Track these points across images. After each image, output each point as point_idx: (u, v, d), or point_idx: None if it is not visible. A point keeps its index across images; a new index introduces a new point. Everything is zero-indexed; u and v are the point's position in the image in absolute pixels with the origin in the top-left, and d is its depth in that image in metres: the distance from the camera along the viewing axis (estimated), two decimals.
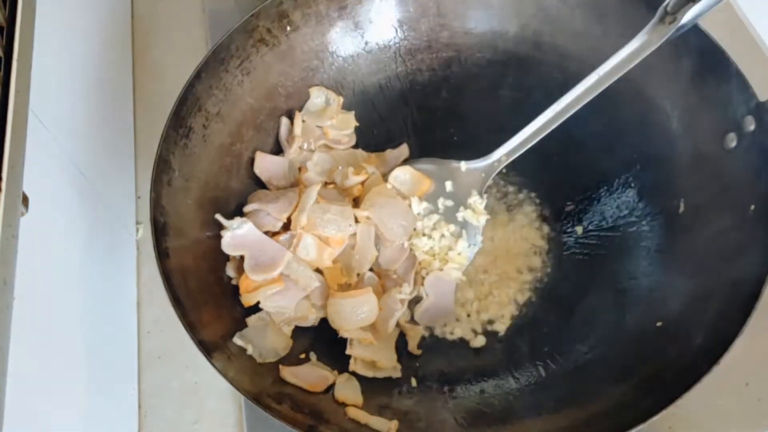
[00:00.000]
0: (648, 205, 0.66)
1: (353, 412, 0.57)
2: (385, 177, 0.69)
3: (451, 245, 0.68)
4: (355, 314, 0.61)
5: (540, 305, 0.67)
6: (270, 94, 0.71)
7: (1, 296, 0.40)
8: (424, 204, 0.69)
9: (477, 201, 0.68)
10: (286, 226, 0.64)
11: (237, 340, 0.59)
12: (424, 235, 0.68)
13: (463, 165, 0.69)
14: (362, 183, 0.69)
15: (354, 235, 0.65)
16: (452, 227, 0.68)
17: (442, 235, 0.68)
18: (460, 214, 0.68)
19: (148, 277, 0.75)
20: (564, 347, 0.63)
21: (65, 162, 0.60)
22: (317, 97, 0.73)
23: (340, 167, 0.70)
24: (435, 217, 0.68)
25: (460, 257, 0.67)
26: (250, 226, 0.62)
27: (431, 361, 0.64)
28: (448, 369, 0.64)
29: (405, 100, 0.77)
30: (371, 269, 0.66)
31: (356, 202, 0.68)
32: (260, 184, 0.70)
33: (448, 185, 0.69)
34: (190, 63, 0.64)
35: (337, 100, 0.73)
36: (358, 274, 0.65)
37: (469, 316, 0.67)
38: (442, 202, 0.69)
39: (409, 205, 0.68)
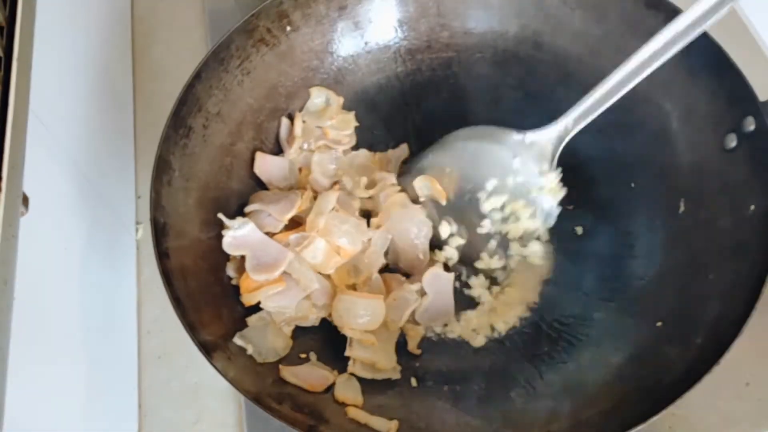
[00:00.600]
0: (648, 206, 0.66)
1: (353, 412, 0.57)
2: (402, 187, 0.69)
3: (526, 226, 0.65)
4: (363, 315, 0.61)
5: (540, 305, 0.67)
6: (270, 94, 0.71)
7: (1, 296, 0.40)
8: (454, 227, 0.68)
9: (549, 176, 0.64)
10: (288, 227, 0.64)
11: (237, 340, 0.59)
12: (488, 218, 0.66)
13: (528, 135, 0.64)
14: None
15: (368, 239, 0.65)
16: (524, 207, 0.65)
17: (515, 218, 0.65)
18: (532, 193, 0.64)
19: (148, 277, 0.75)
20: (564, 347, 0.63)
21: (65, 162, 0.60)
22: (317, 97, 0.73)
23: (345, 177, 0.69)
24: (504, 198, 0.65)
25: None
26: (252, 227, 0.62)
27: (431, 361, 0.64)
28: (448, 369, 0.64)
29: (405, 100, 0.77)
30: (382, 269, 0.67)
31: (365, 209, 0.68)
32: (260, 184, 0.70)
33: (516, 162, 0.64)
34: (190, 63, 0.64)
35: (337, 101, 0.73)
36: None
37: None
38: (512, 180, 0.65)
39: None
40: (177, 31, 0.92)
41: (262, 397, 0.54)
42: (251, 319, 0.61)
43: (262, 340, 0.60)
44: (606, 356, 0.60)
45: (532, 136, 0.64)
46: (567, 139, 0.63)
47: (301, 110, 0.72)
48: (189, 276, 0.59)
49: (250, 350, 0.59)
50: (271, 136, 0.72)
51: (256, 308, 0.62)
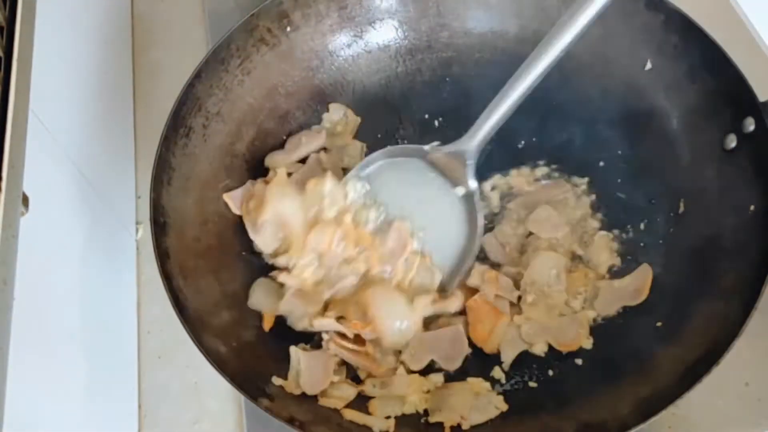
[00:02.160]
0: (648, 205, 0.66)
1: (349, 414, 0.57)
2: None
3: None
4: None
5: None
6: (270, 93, 0.71)
7: (1, 296, 0.40)
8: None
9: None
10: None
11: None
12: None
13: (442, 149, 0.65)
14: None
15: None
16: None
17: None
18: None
19: (148, 277, 0.74)
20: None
21: (65, 162, 0.60)
22: (336, 112, 0.73)
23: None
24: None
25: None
26: None
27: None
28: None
29: (405, 100, 0.76)
30: None
31: None
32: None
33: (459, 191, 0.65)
34: (190, 63, 0.65)
35: (354, 121, 0.73)
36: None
37: None
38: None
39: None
40: (177, 31, 0.92)
41: (260, 396, 0.54)
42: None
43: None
44: (606, 356, 0.60)
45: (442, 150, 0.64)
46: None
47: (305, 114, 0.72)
48: (189, 276, 0.59)
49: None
50: (271, 136, 0.72)
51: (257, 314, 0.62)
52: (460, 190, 0.65)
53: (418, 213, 0.65)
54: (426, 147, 0.66)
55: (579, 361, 0.61)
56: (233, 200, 0.66)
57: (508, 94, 0.61)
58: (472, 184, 0.64)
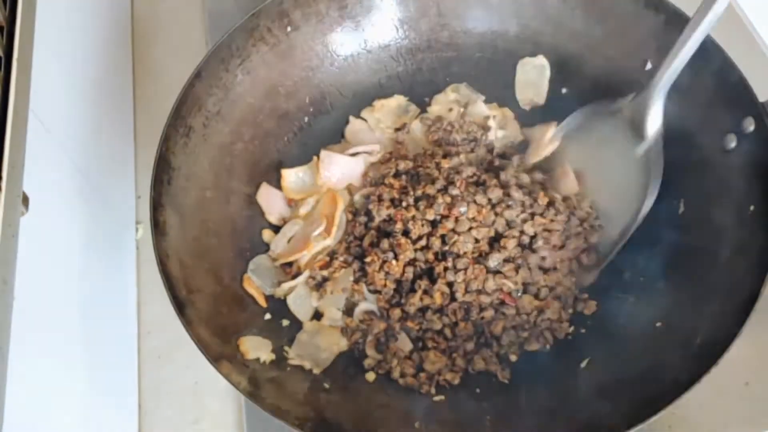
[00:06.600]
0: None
1: None
2: None
3: None
4: None
5: None
6: (270, 93, 0.71)
7: (1, 296, 0.40)
8: None
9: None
10: None
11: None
12: None
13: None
14: None
15: None
16: None
17: None
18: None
19: (148, 277, 0.74)
20: (564, 346, 0.63)
21: (65, 162, 0.60)
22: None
23: None
24: None
25: None
26: None
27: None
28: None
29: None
30: None
31: None
32: (259, 185, 0.70)
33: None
34: (190, 63, 0.65)
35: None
36: None
37: None
38: None
39: None
40: (177, 31, 0.92)
41: (260, 395, 0.54)
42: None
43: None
44: (606, 356, 0.60)
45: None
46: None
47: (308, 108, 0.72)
48: (189, 276, 0.59)
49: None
50: (270, 136, 0.72)
51: (261, 309, 0.62)
52: (641, 148, 0.63)
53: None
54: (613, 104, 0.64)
55: (579, 360, 0.61)
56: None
57: (689, 37, 0.56)
58: (651, 129, 0.61)
